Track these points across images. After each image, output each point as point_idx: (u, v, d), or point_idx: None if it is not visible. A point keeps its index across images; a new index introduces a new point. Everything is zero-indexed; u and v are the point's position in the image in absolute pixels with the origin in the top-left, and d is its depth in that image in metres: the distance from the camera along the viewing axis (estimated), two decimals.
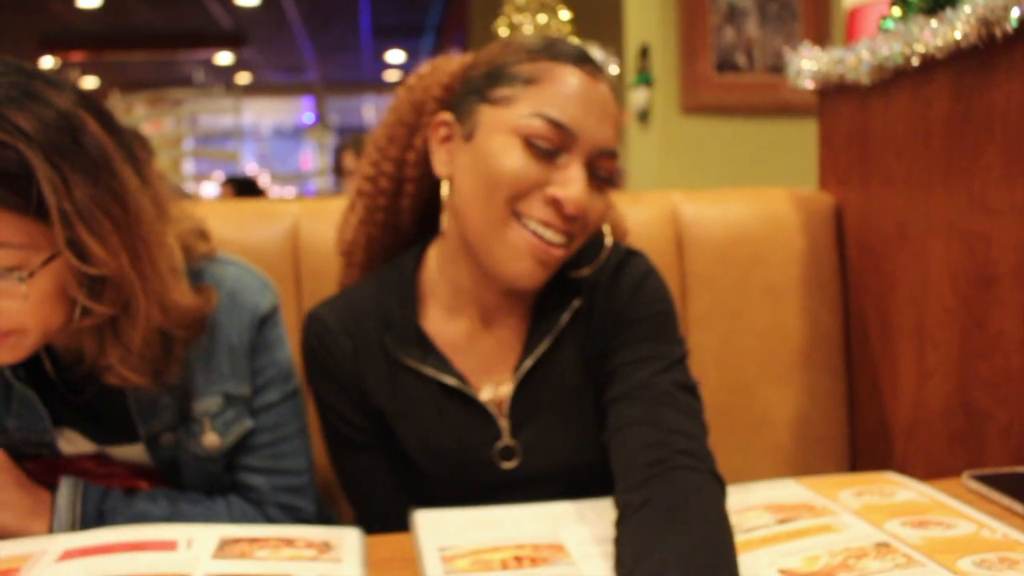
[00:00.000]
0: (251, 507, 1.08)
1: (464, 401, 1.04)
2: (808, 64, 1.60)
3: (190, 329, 1.00)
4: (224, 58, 11.87)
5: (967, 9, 1.20)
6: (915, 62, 1.32)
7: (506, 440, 1.04)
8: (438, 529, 0.91)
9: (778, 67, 3.39)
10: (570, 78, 0.97)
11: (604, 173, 0.98)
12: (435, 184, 1.09)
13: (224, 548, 0.86)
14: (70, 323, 0.92)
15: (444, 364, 1.04)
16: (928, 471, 1.37)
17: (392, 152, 1.10)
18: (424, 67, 1.11)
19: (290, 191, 12.14)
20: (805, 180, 1.88)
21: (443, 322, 1.06)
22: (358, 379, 1.05)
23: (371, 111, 15.79)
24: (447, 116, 1.02)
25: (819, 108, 1.70)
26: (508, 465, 1.04)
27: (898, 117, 1.44)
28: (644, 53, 3.59)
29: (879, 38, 1.40)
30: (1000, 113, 1.22)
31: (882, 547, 0.84)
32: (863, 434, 1.58)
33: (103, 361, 0.95)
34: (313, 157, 14.70)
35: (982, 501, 0.98)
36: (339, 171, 3.93)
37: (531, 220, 0.95)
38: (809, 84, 1.63)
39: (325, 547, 0.88)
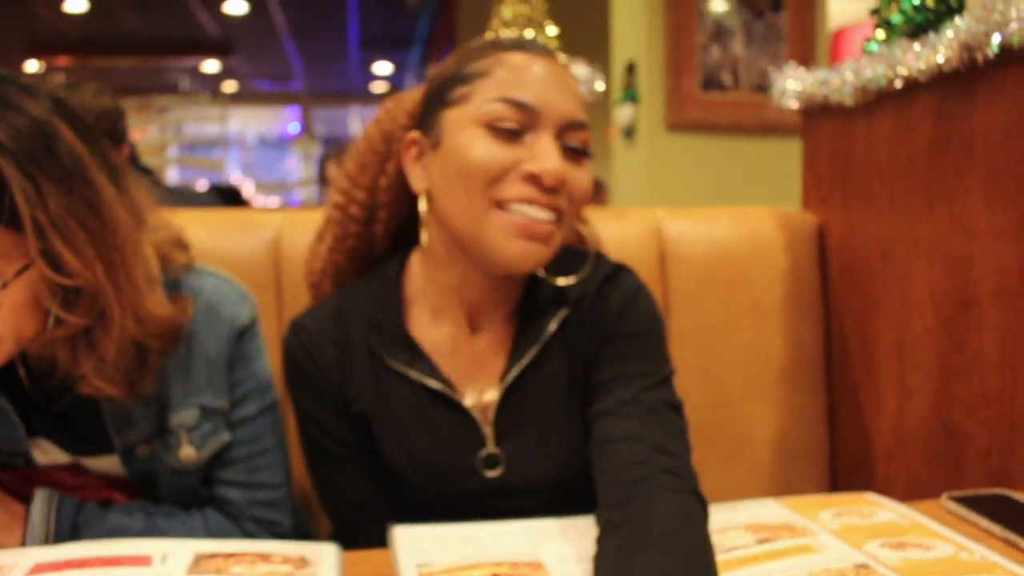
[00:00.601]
0: (228, 521, 1.07)
1: (449, 406, 1.03)
2: (793, 84, 1.61)
3: (165, 340, 0.99)
4: (211, 66, 11.85)
5: (950, 34, 1.22)
6: (898, 84, 1.34)
7: (490, 448, 1.03)
8: (416, 545, 0.90)
9: (763, 86, 3.41)
10: (519, 61, 0.98)
11: (576, 144, 0.98)
12: (406, 209, 1.10)
13: (199, 563, 0.85)
14: (43, 333, 0.91)
15: (431, 368, 1.03)
16: (908, 491, 1.37)
17: (364, 180, 1.10)
18: (389, 101, 1.13)
19: (274, 201, 12.12)
20: (788, 199, 1.90)
21: (429, 327, 1.06)
22: (342, 387, 1.04)
23: (357, 122, 15.79)
24: (415, 134, 1.04)
25: (803, 128, 1.71)
26: (492, 474, 1.03)
27: (881, 139, 1.45)
28: (631, 70, 3.60)
29: (863, 60, 1.41)
30: (981, 137, 1.23)
31: (861, 569, 0.84)
32: (844, 453, 1.59)
33: (76, 371, 0.94)
34: (298, 167, 14.68)
35: (961, 523, 0.98)
36: (323, 181, 3.93)
37: (513, 204, 0.95)
38: (793, 104, 1.64)
39: (302, 563, 0.87)
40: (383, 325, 1.04)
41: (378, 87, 13.49)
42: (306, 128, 14.65)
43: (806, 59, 3.36)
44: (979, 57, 1.18)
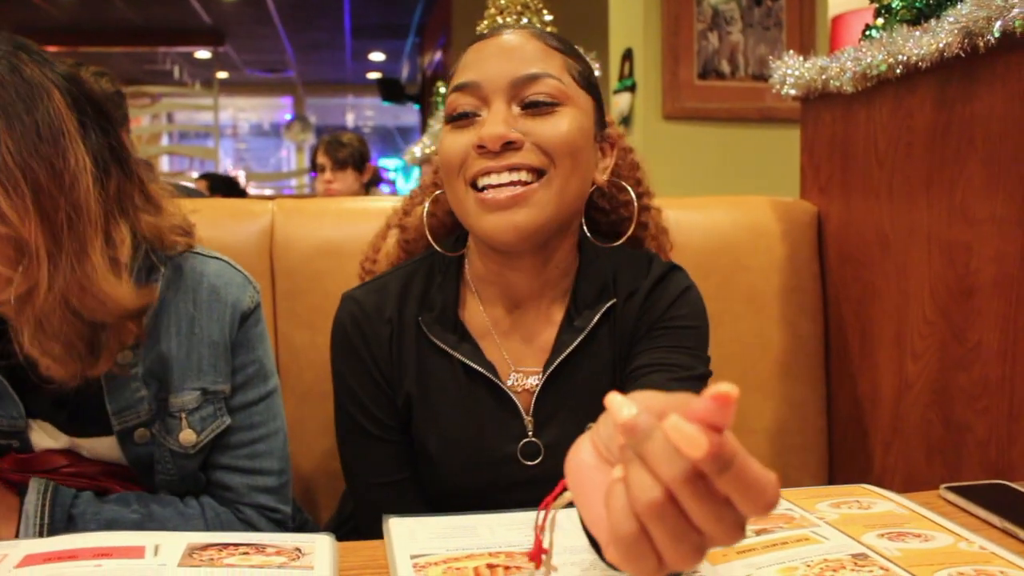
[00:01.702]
0: (225, 508, 1.06)
1: (491, 391, 1.03)
2: (792, 72, 1.60)
3: (121, 324, 0.97)
4: (203, 54, 11.79)
5: (951, 20, 1.21)
6: (898, 71, 1.32)
7: (530, 437, 1.03)
8: (411, 536, 0.89)
9: (762, 75, 3.40)
10: (470, 51, 1.01)
11: (536, 97, 0.96)
12: None
13: (192, 555, 0.84)
14: None
15: (477, 352, 1.04)
16: (907, 482, 1.37)
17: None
18: None
19: (268, 191, 12.06)
20: (787, 188, 1.88)
21: (478, 312, 1.06)
22: (390, 367, 1.05)
23: (351, 111, 15.74)
24: None
25: (802, 116, 1.69)
26: (530, 463, 1.03)
27: (880, 126, 1.44)
28: (627, 58, 3.59)
29: (863, 46, 1.40)
30: (982, 124, 1.22)
31: (859, 559, 0.83)
32: (842, 445, 1.58)
33: (23, 344, 0.92)
34: (292, 157, 14.63)
35: (959, 513, 0.97)
36: (314, 168, 3.92)
37: (478, 180, 0.96)
38: (792, 92, 1.62)
39: (296, 553, 0.86)
40: (436, 305, 1.05)
41: (372, 75, 13.44)
42: (300, 117, 14.59)
43: (805, 46, 3.35)
44: (980, 43, 1.17)
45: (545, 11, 2.18)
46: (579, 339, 1.03)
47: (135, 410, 1.03)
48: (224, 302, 1.06)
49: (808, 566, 0.82)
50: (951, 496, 1.01)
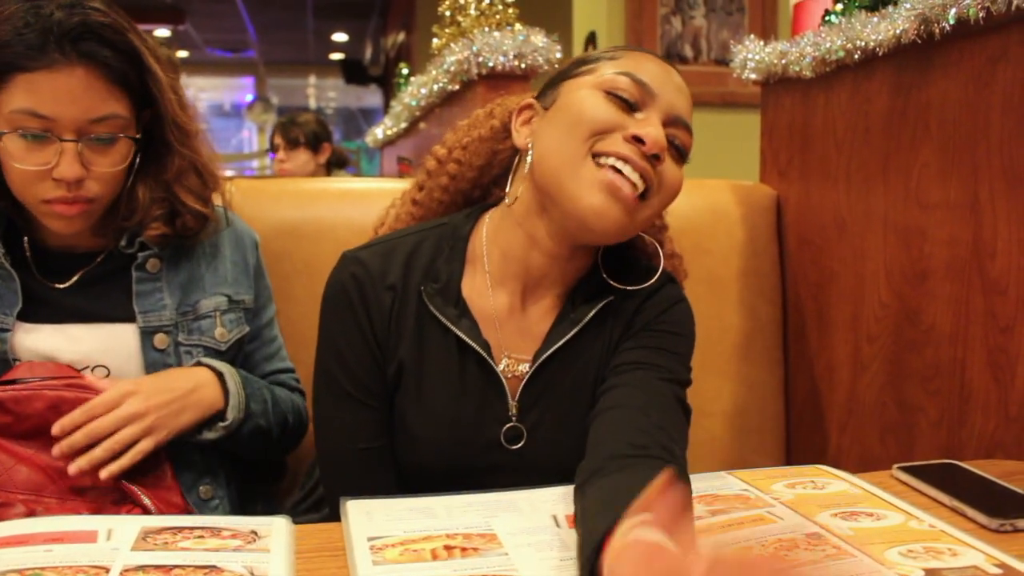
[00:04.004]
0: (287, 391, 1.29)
1: (483, 371, 1.03)
2: (753, 56, 1.61)
3: (197, 219, 1.18)
4: (163, 32, 11.58)
5: (907, 6, 1.22)
6: (856, 57, 1.34)
7: (514, 421, 1.04)
8: (368, 518, 0.89)
9: (724, 59, 3.41)
10: (648, 60, 1.02)
11: (679, 143, 1.01)
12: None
13: (146, 539, 0.83)
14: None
15: (475, 330, 1.03)
16: (861, 463, 1.39)
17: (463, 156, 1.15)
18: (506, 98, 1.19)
19: (229, 173, 11.89)
20: (748, 173, 1.90)
21: (481, 293, 1.06)
22: (386, 335, 1.04)
23: (314, 92, 15.57)
24: (530, 100, 1.07)
25: (762, 100, 1.71)
26: (511, 447, 1.04)
27: (839, 111, 1.45)
28: (591, 40, 3.59)
29: (822, 32, 1.41)
30: (937, 110, 1.24)
31: (813, 538, 0.84)
32: (798, 426, 1.60)
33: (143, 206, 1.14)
34: (253, 138, 14.45)
35: (911, 492, 0.99)
36: (273, 148, 3.89)
37: (609, 158, 0.96)
38: (753, 77, 1.63)
39: (252, 536, 0.86)
40: (441, 276, 1.04)
41: (335, 56, 13.30)
42: (261, 98, 14.41)
43: (767, 31, 3.37)
44: (936, 30, 1.18)
45: None
46: (572, 332, 1.04)
47: (158, 313, 1.16)
48: (242, 233, 1.27)
49: (763, 546, 0.83)
50: (903, 476, 1.02)
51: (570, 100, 1.00)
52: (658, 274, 1.08)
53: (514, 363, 1.05)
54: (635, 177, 0.96)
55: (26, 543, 0.81)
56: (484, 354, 1.03)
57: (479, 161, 1.13)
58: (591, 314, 1.05)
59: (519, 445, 1.04)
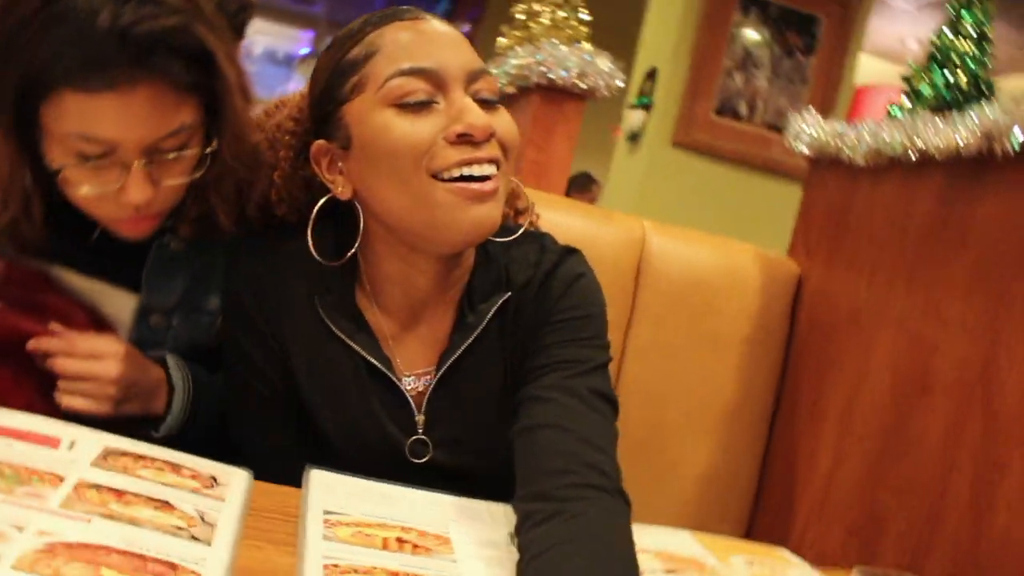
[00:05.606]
0: None
1: (386, 386, 1.00)
2: (808, 129, 1.60)
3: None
4: None
5: (974, 118, 1.21)
6: (912, 156, 1.33)
7: (420, 435, 1.01)
8: (329, 492, 0.88)
9: (776, 125, 3.41)
10: (400, 32, 0.93)
11: (487, 94, 0.93)
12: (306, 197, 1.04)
13: (107, 458, 0.83)
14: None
15: (374, 344, 1.00)
16: (820, 556, 1.38)
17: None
18: (271, 106, 1.09)
19: None
20: (776, 242, 1.89)
21: (372, 310, 1.02)
22: (281, 333, 1.01)
23: None
24: (320, 144, 0.97)
25: (807, 176, 1.70)
26: (418, 460, 1.01)
27: (881, 205, 1.45)
28: (651, 76, 3.58)
29: (884, 123, 1.40)
30: (979, 228, 1.23)
31: None
32: (767, 503, 1.59)
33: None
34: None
35: None
36: None
37: (450, 171, 0.90)
38: (804, 150, 1.63)
39: (211, 482, 0.85)
40: (334, 289, 1.00)
41: None
42: (316, 53, 14.43)
43: (825, 107, 3.36)
44: (998, 148, 1.17)
45: (582, 9, 2.17)
46: (471, 338, 1.00)
47: (164, 293, 1.08)
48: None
49: None
50: None
51: (368, 135, 0.91)
52: (523, 228, 1.02)
53: (416, 379, 1.02)
54: (487, 169, 0.91)
55: None
56: (384, 369, 0.99)
57: (304, 196, 1.04)
58: (489, 315, 1.00)
59: (425, 459, 1.01)
